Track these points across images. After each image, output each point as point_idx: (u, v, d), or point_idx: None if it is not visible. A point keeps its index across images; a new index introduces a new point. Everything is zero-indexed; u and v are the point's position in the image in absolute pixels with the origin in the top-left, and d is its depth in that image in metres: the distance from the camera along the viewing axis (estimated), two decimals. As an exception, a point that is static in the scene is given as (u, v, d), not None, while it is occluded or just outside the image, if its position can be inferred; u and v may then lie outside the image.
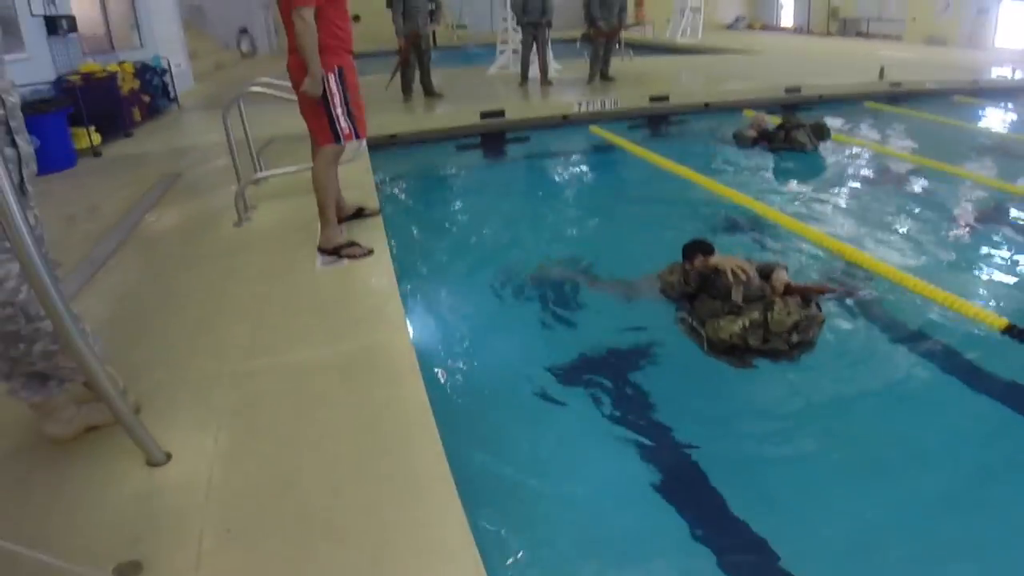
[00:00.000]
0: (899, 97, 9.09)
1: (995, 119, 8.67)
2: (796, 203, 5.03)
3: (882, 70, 9.22)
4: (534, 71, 8.42)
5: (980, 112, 8.93)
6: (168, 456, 1.85)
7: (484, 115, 6.74)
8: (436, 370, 2.75)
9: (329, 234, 3.29)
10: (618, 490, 2.18)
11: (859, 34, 19.08)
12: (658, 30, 16.20)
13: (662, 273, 3.26)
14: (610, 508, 2.09)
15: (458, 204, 5.13)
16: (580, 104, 7.32)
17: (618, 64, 9.23)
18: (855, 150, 6.56)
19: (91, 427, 1.95)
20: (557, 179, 5.91)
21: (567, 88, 8.30)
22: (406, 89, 7.40)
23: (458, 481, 1.73)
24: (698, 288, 2.99)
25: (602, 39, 8.36)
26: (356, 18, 17.30)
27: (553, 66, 9.32)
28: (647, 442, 2.37)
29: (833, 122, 7.58)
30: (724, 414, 2.55)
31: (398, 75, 7.35)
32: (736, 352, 2.72)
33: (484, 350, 3.00)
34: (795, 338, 2.71)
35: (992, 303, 3.41)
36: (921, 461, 2.28)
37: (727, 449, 2.33)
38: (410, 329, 2.65)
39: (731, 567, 1.86)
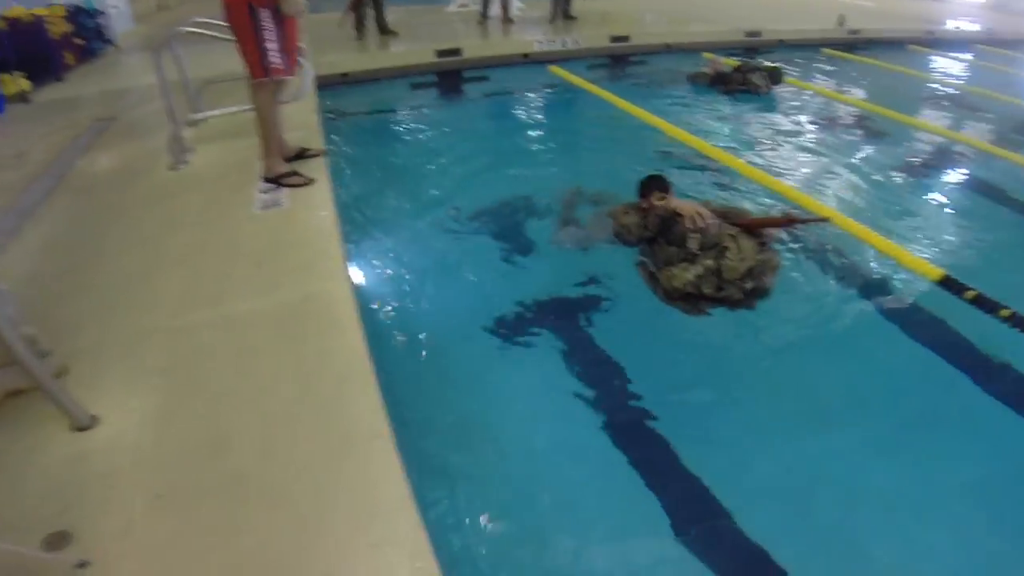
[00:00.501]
0: (856, 45, 9.04)
1: (946, 69, 8.73)
2: (748, 146, 5.02)
3: (841, 17, 9.09)
4: (496, 8, 7.97)
5: (933, 61, 8.97)
6: (95, 419, 1.75)
7: (440, 53, 6.39)
8: (380, 319, 2.68)
9: (270, 163, 3.26)
10: (566, 439, 2.17)
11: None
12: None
13: (615, 212, 3.11)
14: (558, 459, 2.08)
15: (410, 145, 4.89)
16: (540, 43, 7.01)
17: (580, 3, 8.83)
18: (808, 95, 6.55)
19: (12, 392, 1.82)
20: (514, 119, 5.69)
21: (528, 27, 7.91)
22: (359, 27, 6.93)
23: (400, 437, 1.69)
24: (658, 232, 2.89)
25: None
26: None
27: (516, 4, 8.85)
28: (597, 392, 2.37)
29: (790, 67, 7.55)
30: (672, 360, 2.56)
31: (352, 13, 6.85)
32: (691, 300, 2.66)
33: (432, 298, 2.92)
34: (749, 284, 2.65)
35: (932, 252, 3.49)
36: (857, 406, 2.36)
37: (674, 397, 2.35)
38: (352, 277, 2.55)
39: (675, 512, 1.91)
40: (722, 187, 4.16)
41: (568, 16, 8.31)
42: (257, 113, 3.13)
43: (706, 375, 2.48)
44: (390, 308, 2.81)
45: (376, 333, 2.41)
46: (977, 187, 4.58)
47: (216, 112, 3.87)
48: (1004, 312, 2.83)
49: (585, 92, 6.09)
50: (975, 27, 10.93)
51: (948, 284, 3.04)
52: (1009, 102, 7.00)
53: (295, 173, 3.27)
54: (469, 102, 6.03)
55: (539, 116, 5.82)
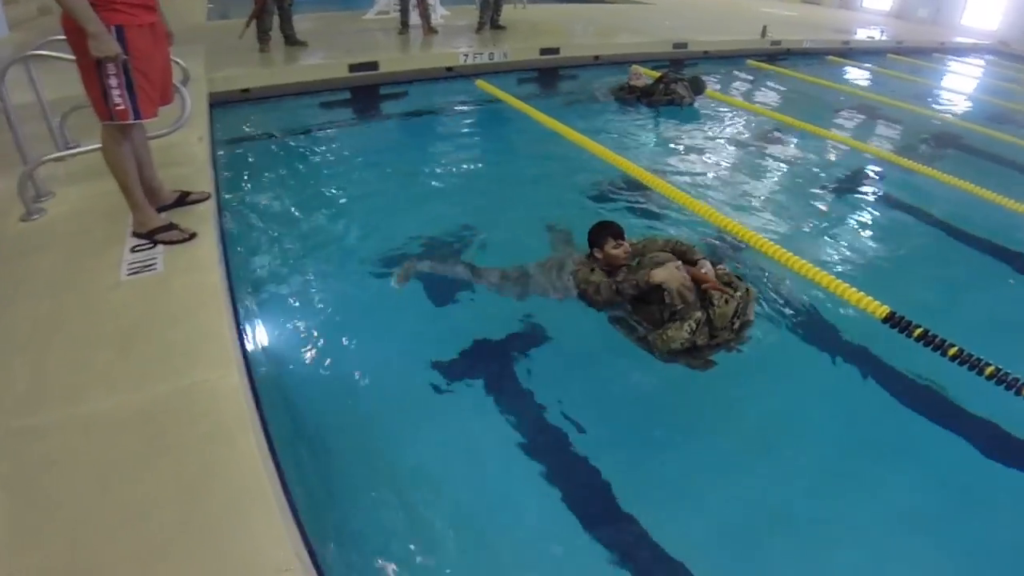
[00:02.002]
0: (778, 55, 9.23)
1: (862, 79, 9.09)
2: (676, 167, 4.97)
3: (764, 29, 9.25)
4: (416, 17, 7.53)
5: (850, 72, 9.34)
6: None
7: (354, 67, 5.93)
8: (289, 404, 2.30)
9: (141, 217, 2.75)
10: (509, 495, 2.06)
11: (744, -13, 19.36)
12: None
13: (579, 272, 2.86)
14: (503, 519, 1.97)
15: (320, 174, 4.45)
16: (466, 55, 6.66)
17: (510, 12, 8.55)
18: (732, 109, 6.65)
19: None
20: (438, 141, 5.35)
21: (454, 37, 7.56)
22: (263, 37, 6.33)
23: (319, 560, 1.45)
24: (634, 300, 2.70)
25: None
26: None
27: (439, 12, 8.46)
28: (539, 441, 2.27)
29: (716, 79, 7.62)
30: (610, 405, 2.47)
31: (254, 22, 6.23)
32: (691, 353, 2.57)
33: (353, 363, 2.57)
34: (737, 323, 2.63)
35: (849, 268, 3.55)
36: (804, 442, 2.38)
37: (615, 441, 2.30)
38: (247, 359, 2.19)
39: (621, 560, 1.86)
40: (652, 214, 4.05)
41: (497, 26, 8.02)
42: (107, 163, 2.64)
43: (644, 419, 2.43)
44: (300, 388, 2.42)
45: (284, 421, 2.09)
46: (895, 203, 4.71)
47: (76, 151, 3.25)
48: (951, 351, 2.77)
49: (514, 110, 5.88)
50: (885, 37, 11.44)
51: (894, 321, 2.93)
52: (919, 113, 7.35)
53: (172, 226, 2.78)
54: (387, 122, 5.63)
55: (465, 137, 5.49)
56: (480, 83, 6.34)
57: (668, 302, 2.58)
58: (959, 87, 9.96)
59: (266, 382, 2.27)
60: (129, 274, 2.52)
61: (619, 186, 4.42)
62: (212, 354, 2.09)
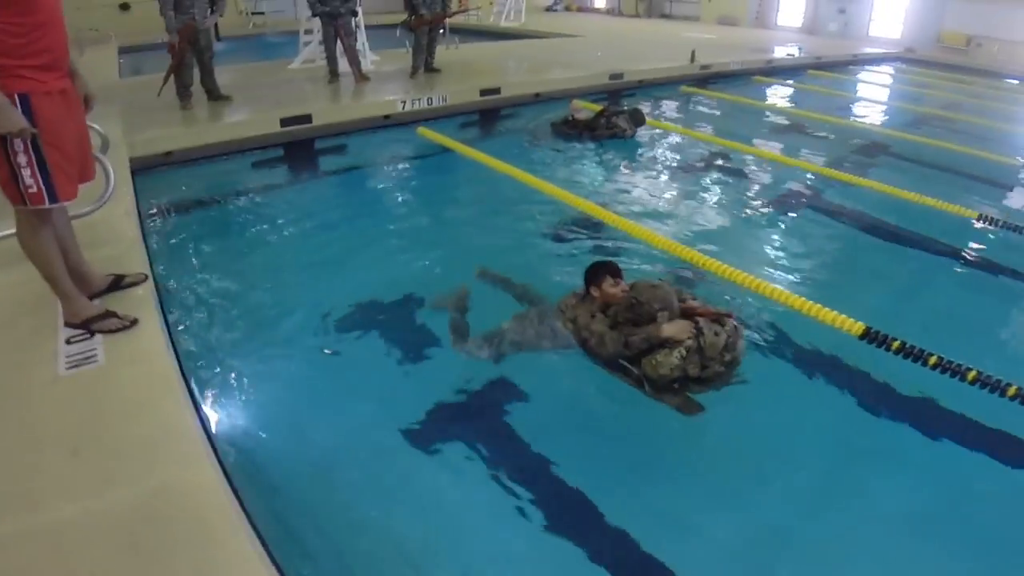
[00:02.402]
0: (708, 79, 9.53)
1: (787, 96, 9.49)
2: (629, 200, 4.96)
3: (693, 53, 9.55)
4: (346, 64, 7.31)
5: (776, 90, 9.76)
6: None
7: (286, 121, 5.62)
8: (266, 501, 2.03)
9: (72, 308, 2.44)
10: (507, 550, 2.03)
11: (663, 15, 20.27)
12: (483, 13, 15.63)
13: (579, 318, 2.77)
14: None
15: (259, 239, 4.12)
16: (404, 102, 6.47)
17: (443, 53, 8.47)
18: (671, 136, 6.77)
19: None
20: (382, 195, 5.10)
21: (388, 83, 7.38)
22: (184, 93, 5.95)
23: None
24: (638, 353, 2.61)
25: (425, 28, 7.50)
26: (125, 6, 14.60)
27: (369, 57, 8.29)
28: (530, 492, 2.22)
29: (653, 107, 7.80)
30: (597, 447, 2.46)
31: (172, 77, 5.84)
32: (680, 392, 2.55)
33: (328, 451, 2.37)
34: (727, 357, 2.59)
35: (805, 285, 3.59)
36: (797, 462, 2.43)
37: (612, 481, 2.29)
38: (214, 452, 1.93)
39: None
40: (611, 250, 3.96)
41: (432, 69, 7.88)
42: (25, 252, 2.32)
43: (637, 457, 2.42)
44: (277, 475, 2.20)
45: (268, 514, 1.88)
46: (838, 214, 4.87)
47: (3, 233, 2.87)
48: (931, 360, 2.80)
49: (459, 155, 5.70)
50: (803, 53, 12.06)
51: (871, 337, 2.95)
52: (845, 125, 7.68)
53: (110, 314, 2.46)
54: (326, 178, 5.34)
55: (411, 188, 5.28)
56: (421, 130, 6.15)
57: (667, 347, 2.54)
58: (877, 96, 10.60)
59: (241, 474, 2.02)
60: (68, 368, 2.23)
61: (575, 224, 4.33)
62: (178, 450, 1.89)
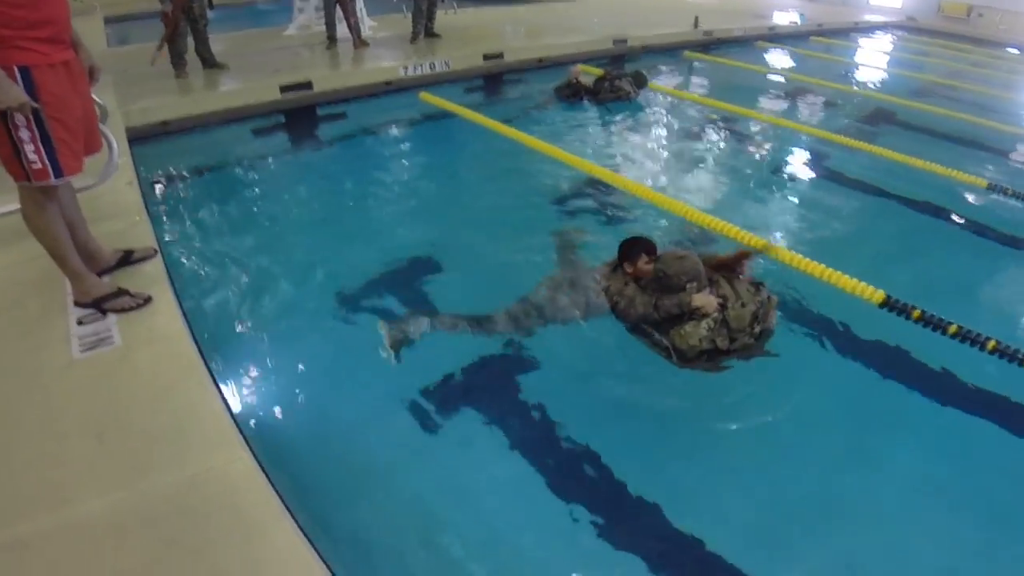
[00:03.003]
0: (711, 45, 9.42)
1: (791, 63, 9.42)
2: (635, 163, 4.96)
3: (696, 19, 9.42)
4: (344, 30, 7.15)
5: (779, 57, 9.66)
6: None
7: (285, 88, 5.52)
8: (301, 487, 1.98)
9: (82, 286, 2.38)
10: (536, 519, 2.05)
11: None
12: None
13: (611, 286, 2.76)
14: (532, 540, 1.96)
15: (265, 210, 4.07)
16: (406, 68, 6.35)
17: (442, 18, 8.29)
18: (676, 100, 6.72)
19: None
20: (386, 161, 5.04)
21: (388, 49, 7.22)
22: (178, 63, 5.81)
23: None
24: (666, 320, 2.61)
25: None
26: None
27: (367, 23, 8.10)
28: (552, 461, 2.26)
29: (657, 73, 7.78)
30: (615, 418, 2.46)
31: (166, 47, 5.69)
32: (707, 357, 2.54)
33: (356, 430, 2.34)
34: (757, 328, 2.60)
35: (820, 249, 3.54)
36: (814, 430, 2.48)
37: (630, 455, 2.30)
38: (240, 432, 1.88)
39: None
40: (622, 215, 3.98)
41: (432, 34, 7.73)
42: (31, 231, 2.25)
43: (655, 428, 2.46)
44: (308, 458, 2.17)
45: (305, 502, 1.84)
46: (846, 181, 4.88)
47: (7, 209, 2.81)
48: (951, 329, 2.85)
49: (464, 120, 5.62)
50: (804, 20, 11.91)
51: (891, 305, 2.99)
52: (850, 92, 7.68)
53: (122, 292, 2.41)
54: (329, 146, 5.25)
55: (416, 154, 5.20)
56: (424, 95, 6.05)
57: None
58: (879, 64, 10.49)
59: (271, 458, 1.97)
60: (83, 350, 2.17)
61: (584, 188, 4.32)
62: (209, 436, 1.84)
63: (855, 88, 8.04)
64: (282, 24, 8.42)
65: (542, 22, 9.59)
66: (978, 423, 2.55)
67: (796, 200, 4.58)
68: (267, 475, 1.74)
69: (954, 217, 4.44)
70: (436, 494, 2.08)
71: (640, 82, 6.28)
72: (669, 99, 6.69)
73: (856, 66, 9.75)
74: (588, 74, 6.47)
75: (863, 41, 12.17)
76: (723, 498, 2.17)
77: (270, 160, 4.85)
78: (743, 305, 2.55)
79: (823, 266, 3.19)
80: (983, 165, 5.40)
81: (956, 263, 3.92)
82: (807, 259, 3.28)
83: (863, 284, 3.05)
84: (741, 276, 2.71)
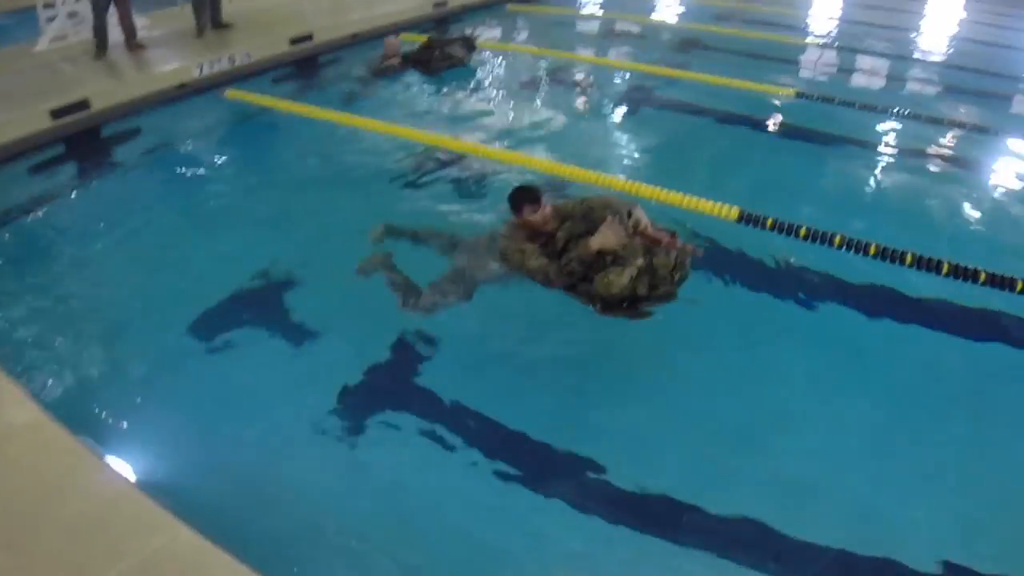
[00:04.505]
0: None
1: (603, 3, 9.96)
2: (485, 126, 4.99)
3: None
4: (115, 35, 6.31)
5: None
6: None
7: (57, 113, 4.79)
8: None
9: None
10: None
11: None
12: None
13: (513, 256, 2.77)
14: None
15: (70, 258, 3.54)
16: (201, 66, 5.78)
17: (230, 5, 7.59)
18: (507, 55, 6.88)
19: None
20: (204, 176, 4.61)
21: (172, 48, 6.52)
22: None
23: None
24: (584, 273, 2.68)
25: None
26: None
27: (138, 23, 7.19)
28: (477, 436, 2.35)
29: (484, 29, 7.87)
30: (544, 372, 2.62)
31: None
32: (628, 304, 2.65)
33: (269, 460, 2.28)
34: (678, 275, 2.73)
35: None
36: (713, 356, 2.78)
37: (559, 406, 2.48)
38: (160, 502, 1.79)
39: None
40: (477, 181, 4.06)
41: (220, 24, 7.06)
42: None
43: (580, 378, 2.64)
44: (228, 499, 2.10)
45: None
46: (672, 108, 5.37)
47: None
48: (802, 231, 3.25)
49: (284, 113, 5.30)
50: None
51: (747, 219, 3.33)
52: (656, 24, 8.36)
53: None
54: (129, 170, 4.65)
55: (237, 161, 4.83)
56: (231, 93, 5.57)
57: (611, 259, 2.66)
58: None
59: (207, 519, 1.82)
60: None
61: (431, 161, 4.30)
62: (137, 516, 1.72)
63: (664, 21, 8.76)
64: (29, 39, 7.22)
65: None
66: (846, 312, 2.95)
67: (635, 135, 4.94)
68: (213, 540, 1.66)
69: (770, 125, 5.03)
70: (382, 506, 2.10)
71: (470, 45, 6.25)
72: (500, 56, 6.80)
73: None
74: (411, 43, 6.34)
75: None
76: (651, 440, 2.34)
77: (60, 200, 4.18)
78: (668, 254, 2.67)
79: (681, 194, 3.45)
80: (790, 75, 6.15)
81: (781, 165, 4.47)
82: (666, 190, 3.51)
83: (719, 204, 3.35)
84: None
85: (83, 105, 4.95)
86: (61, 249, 3.63)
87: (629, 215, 2.75)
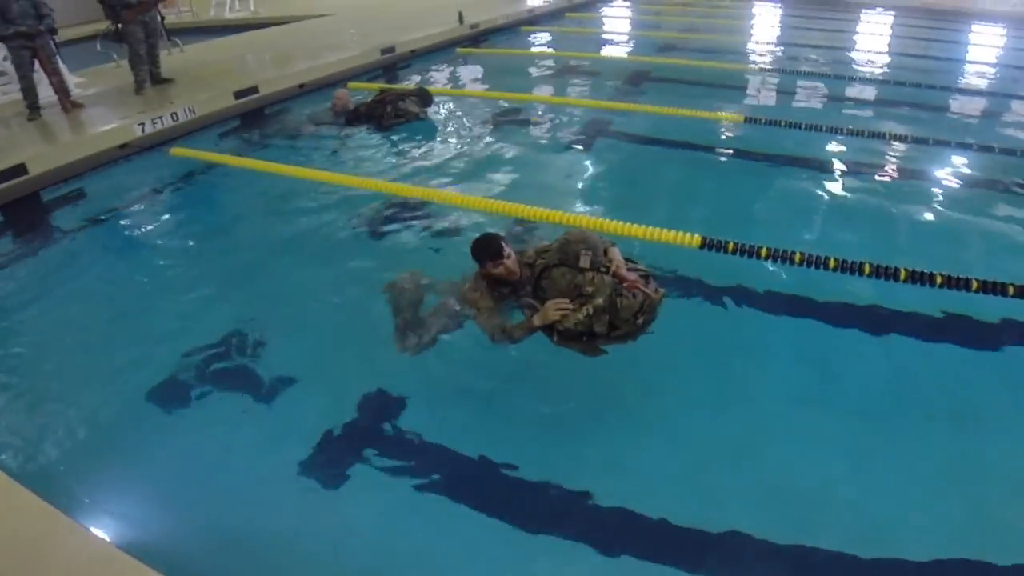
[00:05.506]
0: (480, 37, 10.02)
1: (553, 41, 10.48)
2: (441, 172, 5.10)
3: (460, 15, 9.93)
4: (47, 94, 6.27)
5: (543, 37, 10.67)
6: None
7: (-9, 180, 4.69)
8: None
9: None
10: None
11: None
12: (198, 7, 14.27)
13: (479, 316, 2.80)
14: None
15: (19, 332, 3.46)
16: (142, 124, 5.77)
17: (170, 59, 7.65)
18: (458, 100, 7.05)
19: None
20: (153, 237, 4.58)
21: (110, 106, 6.51)
22: None
23: None
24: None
25: (141, 35, 6.65)
26: None
27: (73, 80, 7.16)
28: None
29: (432, 74, 8.02)
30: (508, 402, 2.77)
31: None
32: (587, 340, 2.71)
33: (248, 514, 2.33)
34: (640, 320, 2.73)
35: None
36: (684, 376, 2.91)
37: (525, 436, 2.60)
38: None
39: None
40: (440, 227, 4.16)
41: (160, 80, 7.08)
42: None
43: (555, 412, 2.73)
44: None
45: None
46: (626, 140, 5.66)
47: None
48: (763, 252, 3.42)
49: (232, 169, 5.33)
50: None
51: (709, 245, 3.49)
52: (607, 59, 8.66)
53: None
54: (73, 235, 4.55)
55: (187, 221, 4.82)
56: (176, 150, 5.56)
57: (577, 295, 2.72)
58: (624, 29, 12.20)
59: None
60: None
61: (391, 211, 4.40)
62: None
63: (613, 55, 9.16)
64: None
65: (295, 44, 9.39)
66: (814, 325, 3.13)
67: (594, 171, 5.13)
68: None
69: (722, 152, 5.29)
70: (370, 556, 2.15)
71: (426, 100, 6.17)
72: (453, 101, 6.95)
73: (608, 34, 11.12)
74: (362, 91, 6.40)
75: (606, 11, 13.90)
76: (632, 463, 2.47)
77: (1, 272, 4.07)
78: (634, 296, 2.68)
79: (644, 227, 3.58)
80: (735, 102, 6.49)
81: (736, 190, 4.69)
82: (628, 224, 3.64)
83: (681, 233, 3.48)
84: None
85: (20, 170, 4.88)
86: (8, 320, 3.55)
87: (605, 252, 2.82)
